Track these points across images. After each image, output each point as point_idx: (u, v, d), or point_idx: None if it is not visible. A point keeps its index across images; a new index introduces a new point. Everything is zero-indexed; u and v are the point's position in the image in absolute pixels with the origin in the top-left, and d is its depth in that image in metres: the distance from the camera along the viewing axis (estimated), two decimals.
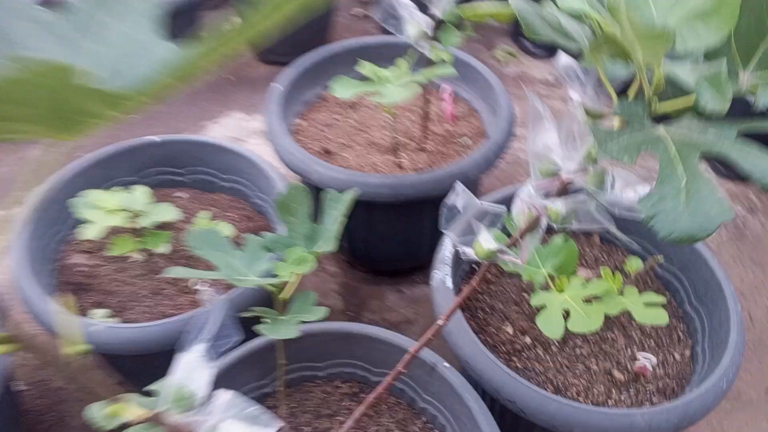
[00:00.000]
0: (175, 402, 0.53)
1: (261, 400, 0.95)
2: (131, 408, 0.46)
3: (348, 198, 0.84)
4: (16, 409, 1.13)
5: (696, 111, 0.58)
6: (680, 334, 1.05)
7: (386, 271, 1.48)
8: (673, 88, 0.61)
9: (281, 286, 0.82)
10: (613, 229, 0.64)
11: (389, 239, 1.34)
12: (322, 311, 0.81)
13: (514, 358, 1.01)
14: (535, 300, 0.96)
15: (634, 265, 1.04)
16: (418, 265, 1.45)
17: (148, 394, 0.52)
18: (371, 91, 1.06)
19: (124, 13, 0.31)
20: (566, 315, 0.92)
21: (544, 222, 0.69)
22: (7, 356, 0.96)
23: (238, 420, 0.50)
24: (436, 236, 1.11)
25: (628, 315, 1.05)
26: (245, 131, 1.89)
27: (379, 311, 1.42)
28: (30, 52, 0.30)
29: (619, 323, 1.05)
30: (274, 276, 0.80)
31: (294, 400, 0.97)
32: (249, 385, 0.93)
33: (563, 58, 0.72)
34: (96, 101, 0.26)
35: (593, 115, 0.61)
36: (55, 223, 1.17)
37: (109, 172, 1.23)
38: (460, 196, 0.70)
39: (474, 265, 1.15)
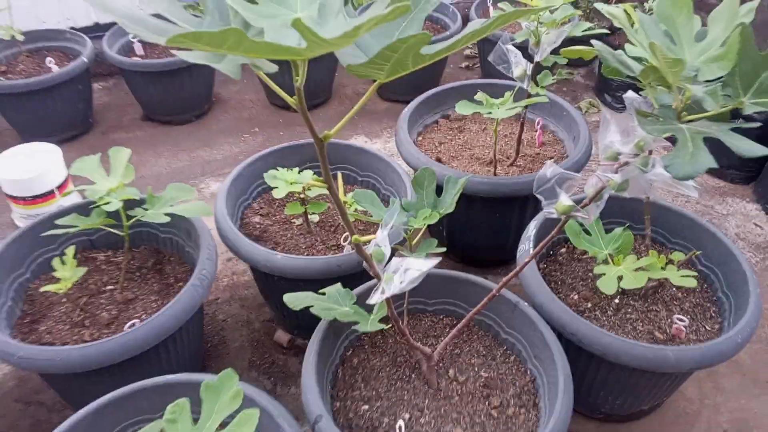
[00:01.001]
0: (374, 256, 0.90)
1: (385, 320, 1.31)
2: (366, 239, 0.83)
3: (463, 181, 1.20)
4: (201, 323, 1.53)
5: (708, 117, 0.92)
6: (712, 313, 1.33)
7: (475, 261, 1.82)
8: (698, 106, 0.95)
9: (411, 236, 1.19)
10: (651, 195, 0.98)
11: (482, 231, 1.69)
12: (442, 249, 1.17)
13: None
14: (597, 269, 1.29)
15: (677, 256, 1.35)
16: (502, 260, 1.80)
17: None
18: (485, 111, 1.45)
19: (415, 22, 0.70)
20: (620, 280, 1.25)
21: (606, 195, 1.03)
22: (205, 286, 1.35)
23: (416, 260, 0.86)
24: (519, 235, 1.45)
25: (672, 296, 1.35)
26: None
27: None
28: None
29: (663, 301, 1.35)
30: (408, 225, 1.17)
31: (410, 323, 1.32)
32: None
33: (630, 93, 1.09)
34: (412, 61, 0.64)
35: (643, 114, 0.96)
36: (240, 195, 1.60)
37: (279, 161, 1.66)
38: (549, 168, 1.05)
39: (549, 250, 1.48)
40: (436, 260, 0.86)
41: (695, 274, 1.24)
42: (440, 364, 1.24)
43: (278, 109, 2.59)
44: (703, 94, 0.85)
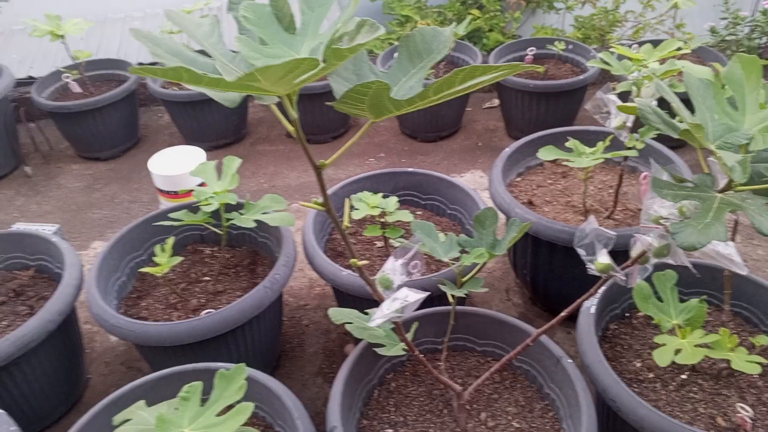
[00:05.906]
0: (380, 282, 0.95)
1: (432, 352, 1.34)
2: (363, 263, 0.89)
3: (524, 226, 1.20)
4: (274, 321, 1.67)
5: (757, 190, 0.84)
6: None
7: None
8: (759, 176, 0.88)
9: (463, 272, 1.20)
10: (687, 262, 0.91)
11: (565, 281, 1.64)
12: (483, 290, 1.18)
13: (634, 385, 1.24)
14: (658, 339, 1.20)
15: (761, 339, 1.21)
16: None
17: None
18: (567, 158, 1.42)
19: (415, 78, 0.75)
20: (677, 353, 1.15)
21: (652, 261, 0.97)
22: (275, 289, 1.48)
23: (408, 290, 0.90)
24: None
25: (750, 383, 1.21)
26: (480, 185, 2.35)
27: None
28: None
29: (737, 386, 1.21)
30: (458, 260, 1.19)
31: (454, 360, 1.33)
32: (426, 338, 1.32)
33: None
34: (390, 103, 0.70)
35: (678, 179, 0.90)
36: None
37: (375, 186, 1.76)
38: (590, 224, 1.02)
39: (625, 312, 1.40)
40: (423, 294, 0.89)
41: (762, 360, 1.11)
42: (473, 406, 1.24)
43: (407, 138, 2.71)
44: (734, 162, 0.78)
